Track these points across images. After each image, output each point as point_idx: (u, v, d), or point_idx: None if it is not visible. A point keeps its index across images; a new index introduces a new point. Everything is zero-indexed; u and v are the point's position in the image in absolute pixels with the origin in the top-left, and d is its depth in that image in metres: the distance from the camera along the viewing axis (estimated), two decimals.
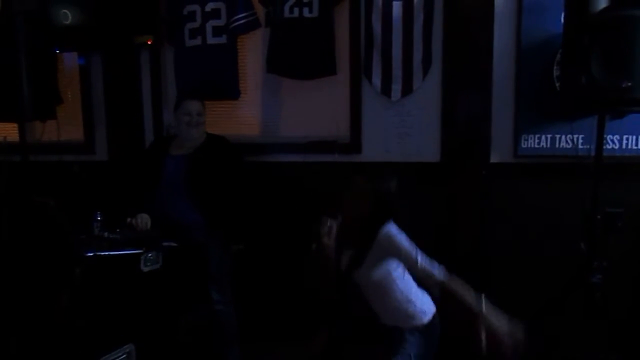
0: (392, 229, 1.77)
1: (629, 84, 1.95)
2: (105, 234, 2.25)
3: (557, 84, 2.42)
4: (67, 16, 2.68)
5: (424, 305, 1.88)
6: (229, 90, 2.85)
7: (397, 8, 2.58)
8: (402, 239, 1.76)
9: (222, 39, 2.81)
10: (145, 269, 2.15)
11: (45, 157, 2.74)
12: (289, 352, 2.65)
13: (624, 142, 2.44)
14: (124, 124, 3.01)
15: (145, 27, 2.82)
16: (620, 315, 2.35)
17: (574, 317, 2.19)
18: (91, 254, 2.04)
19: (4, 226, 2.04)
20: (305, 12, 2.67)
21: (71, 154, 2.99)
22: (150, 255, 2.16)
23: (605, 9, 1.99)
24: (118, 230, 2.30)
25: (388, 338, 1.86)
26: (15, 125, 2.57)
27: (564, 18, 2.21)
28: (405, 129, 2.67)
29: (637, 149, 2.45)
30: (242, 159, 2.60)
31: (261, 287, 2.84)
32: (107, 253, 2.08)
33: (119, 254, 2.11)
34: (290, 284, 2.81)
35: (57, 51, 2.89)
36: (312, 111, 2.78)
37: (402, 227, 1.94)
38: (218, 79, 2.85)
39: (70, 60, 3.08)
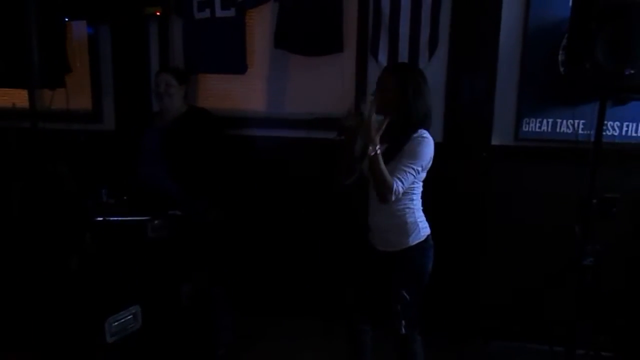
0: (426, 134, 1.84)
1: (632, 71, 1.96)
2: (113, 201, 2.32)
3: (562, 69, 2.43)
4: None
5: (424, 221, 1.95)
6: (236, 64, 2.86)
7: None
8: (426, 149, 1.82)
9: (231, 12, 2.80)
10: (152, 235, 2.23)
11: (53, 125, 2.78)
12: (288, 326, 2.75)
13: (624, 129, 2.47)
14: (132, 94, 3.04)
15: None
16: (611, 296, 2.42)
17: (565, 298, 2.25)
18: (100, 219, 2.11)
19: (17, 191, 2.10)
20: None
21: (79, 123, 3.03)
22: (156, 222, 2.24)
23: None
24: (125, 197, 2.37)
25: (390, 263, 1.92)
26: (25, 92, 2.61)
27: (572, 3, 2.20)
28: None
29: (637, 137, 2.47)
30: (223, 131, 2.65)
31: (249, 257, 2.92)
32: (115, 219, 2.16)
33: (127, 220, 2.19)
34: (284, 254, 2.90)
35: (67, 20, 2.90)
36: (318, 88, 2.80)
37: None
38: (225, 53, 2.86)
39: (79, 30, 3.08)
